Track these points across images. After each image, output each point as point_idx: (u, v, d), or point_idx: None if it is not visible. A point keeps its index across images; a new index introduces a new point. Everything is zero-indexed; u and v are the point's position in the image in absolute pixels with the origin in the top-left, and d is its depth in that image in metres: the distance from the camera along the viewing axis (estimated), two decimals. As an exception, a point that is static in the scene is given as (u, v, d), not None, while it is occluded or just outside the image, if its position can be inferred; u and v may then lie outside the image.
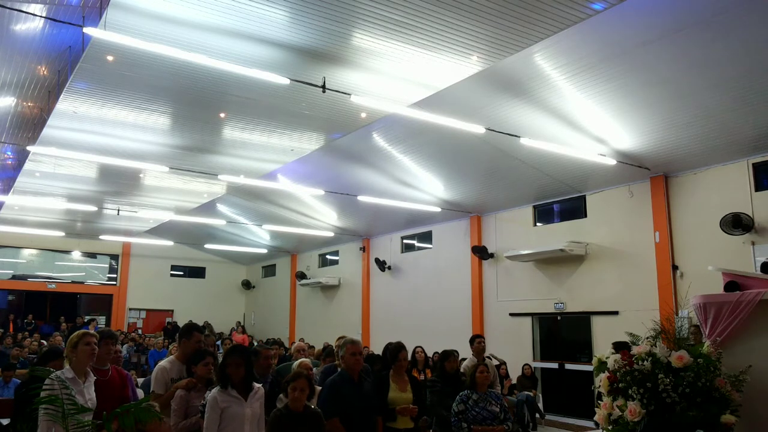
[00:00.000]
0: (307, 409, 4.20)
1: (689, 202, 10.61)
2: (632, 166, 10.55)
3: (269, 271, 24.48)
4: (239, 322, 23.77)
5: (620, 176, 11.23)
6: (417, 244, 17.07)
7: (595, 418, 3.46)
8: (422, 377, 8.40)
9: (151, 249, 22.74)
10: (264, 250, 22.22)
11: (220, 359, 4.42)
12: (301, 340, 14.92)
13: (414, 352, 8.74)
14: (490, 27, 6.93)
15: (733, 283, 3.52)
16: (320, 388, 5.00)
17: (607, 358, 3.49)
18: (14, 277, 22.05)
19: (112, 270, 23.65)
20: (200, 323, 20.44)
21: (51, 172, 13.39)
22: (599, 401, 3.44)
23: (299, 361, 5.57)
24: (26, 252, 22.30)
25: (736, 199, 9.81)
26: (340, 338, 5.80)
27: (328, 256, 21.01)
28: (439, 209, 14.34)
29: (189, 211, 17.42)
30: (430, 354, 12.80)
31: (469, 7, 6.55)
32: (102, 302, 23.30)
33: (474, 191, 13.49)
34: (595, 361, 3.58)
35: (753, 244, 9.58)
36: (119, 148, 11.42)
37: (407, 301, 16.57)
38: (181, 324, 12.22)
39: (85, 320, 20.03)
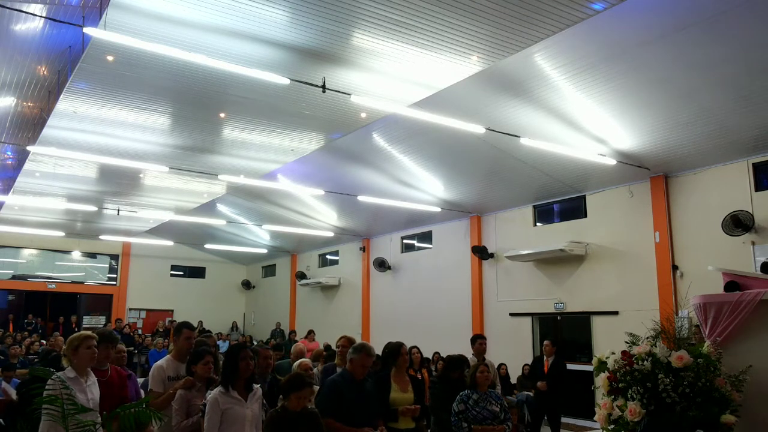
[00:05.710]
0: (305, 409, 4.18)
1: (689, 202, 10.60)
2: (632, 166, 10.55)
3: (269, 271, 24.47)
4: (266, 326, 23.16)
5: (620, 176, 11.23)
6: (417, 244, 17.06)
7: (595, 418, 3.47)
8: (419, 378, 8.38)
9: (151, 249, 22.71)
10: (264, 250, 22.19)
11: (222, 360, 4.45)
12: (302, 340, 14.92)
13: (410, 352, 8.71)
14: (490, 27, 6.93)
15: (733, 283, 3.52)
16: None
17: (607, 358, 3.49)
18: (14, 277, 22.02)
19: (112, 270, 23.63)
20: (200, 323, 20.48)
21: (51, 172, 13.37)
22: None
23: (299, 361, 5.58)
24: (26, 252, 22.27)
25: (736, 199, 9.80)
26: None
27: (328, 256, 21.00)
28: (439, 209, 14.34)
29: (189, 211, 17.41)
30: (429, 354, 12.89)
31: (469, 7, 6.55)
32: (102, 302, 23.27)
33: (474, 191, 13.49)
34: (595, 361, 3.58)
35: (753, 244, 9.58)
36: (119, 148, 11.41)
37: (407, 301, 16.56)
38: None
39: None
